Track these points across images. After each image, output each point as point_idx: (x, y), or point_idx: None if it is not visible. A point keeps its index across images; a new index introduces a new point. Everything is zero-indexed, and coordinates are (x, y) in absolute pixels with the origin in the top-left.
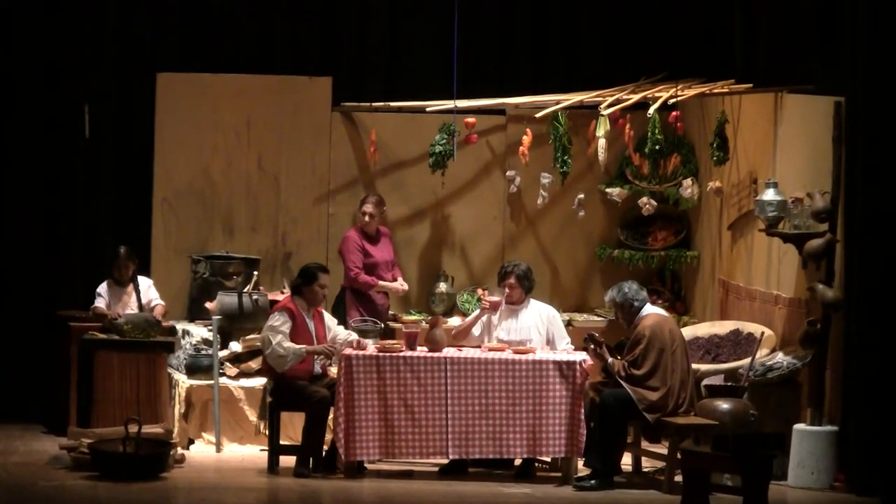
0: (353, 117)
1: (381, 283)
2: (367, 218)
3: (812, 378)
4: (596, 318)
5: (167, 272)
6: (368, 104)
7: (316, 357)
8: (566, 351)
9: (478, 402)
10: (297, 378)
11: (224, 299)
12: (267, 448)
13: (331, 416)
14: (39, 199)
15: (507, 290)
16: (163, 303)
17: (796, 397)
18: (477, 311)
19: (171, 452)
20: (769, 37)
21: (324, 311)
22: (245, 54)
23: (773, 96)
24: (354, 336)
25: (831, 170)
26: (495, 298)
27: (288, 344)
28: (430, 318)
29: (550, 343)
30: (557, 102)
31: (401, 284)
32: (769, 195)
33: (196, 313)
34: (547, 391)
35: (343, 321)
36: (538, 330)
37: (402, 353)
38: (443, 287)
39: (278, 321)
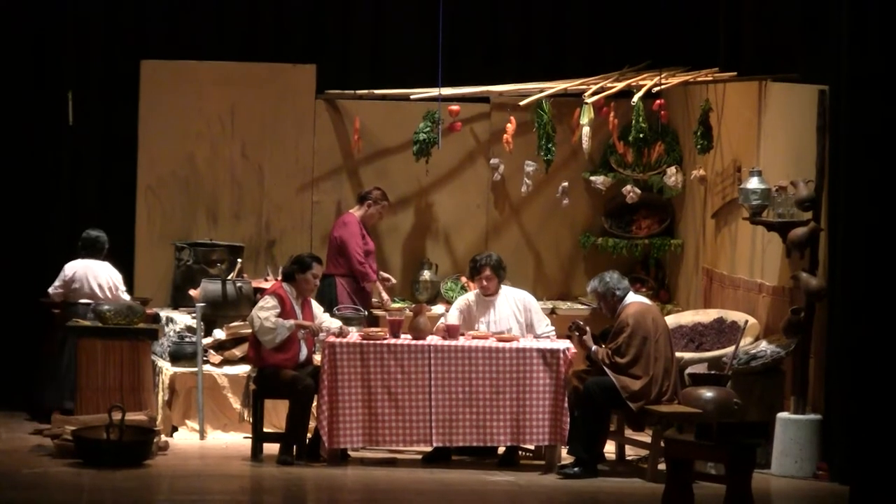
0: (337, 105)
1: (377, 284)
2: (384, 210)
3: (796, 366)
4: (580, 306)
5: (151, 259)
6: (353, 92)
7: (301, 336)
8: (547, 335)
9: (461, 389)
10: (281, 366)
11: (208, 287)
12: (250, 436)
13: (315, 403)
14: (23, 185)
15: (484, 282)
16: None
17: (780, 386)
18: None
19: (155, 440)
20: (753, 25)
21: (312, 299)
22: (229, 41)
23: (757, 85)
24: (339, 324)
25: (815, 158)
26: (454, 323)
27: (276, 318)
28: (413, 305)
29: (530, 328)
30: (542, 90)
31: (389, 287)
32: (753, 183)
33: (180, 301)
34: (531, 379)
35: (331, 307)
36: (516, 318)
37: (385, 341)
38: (427, 275)
39: (268, 303)
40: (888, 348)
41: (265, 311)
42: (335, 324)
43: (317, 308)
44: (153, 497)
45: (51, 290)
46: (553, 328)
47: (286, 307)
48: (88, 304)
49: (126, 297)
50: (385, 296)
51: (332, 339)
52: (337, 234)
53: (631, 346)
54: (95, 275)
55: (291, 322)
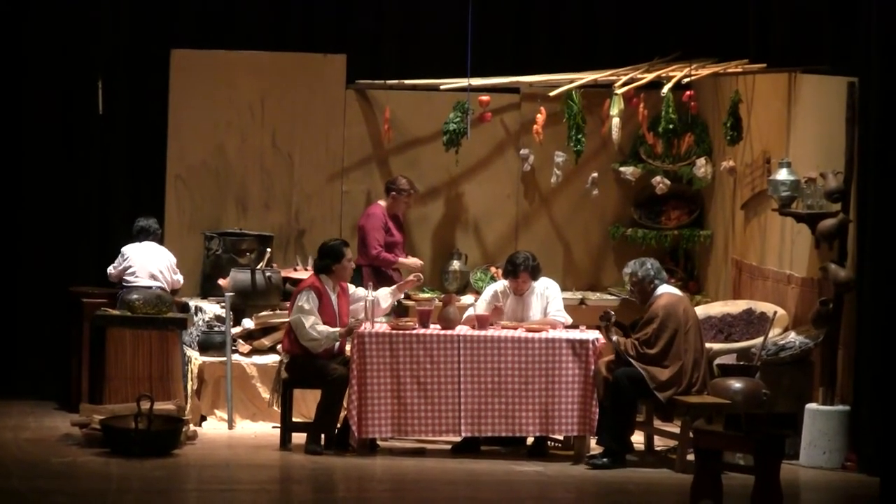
0: (367, 95)
1: (400, 259)
2: (410, 200)
3: (824, 358)
4: (609, 296)
5: (181, 249)
6: (383, 82)
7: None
8: (559, 320)
9: (490, 380)
10: (315, 355)
11: (237, 276)
12: (279, 425)
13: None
14: (53, 174)
15: (519, 283)
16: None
17: (808, 377)
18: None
19: (184, 429)
20: (783, 16)
21: (346, 284)
22: (260, 31)
23: (786, 76)
24: (372, 293)
25: (844, 150)
26: (483, 313)
27: (321, 327)
28: (443, 296)
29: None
30: (571, 81)
31: (417, 260)
32: (782, 175)
33: (209, 290)
34: (560, 370)
35: None
36: (541, 308)
37: (415, 331)
38: (456, 265)
39: (307, 303)
40: None
41: (309, 317)
42: (361, 292)
43: (353, 291)
44: (181, 486)
45: (110, 269)
46: (564, 315)
47: (324, 301)
48: (141, 287)
49: (179, 278)
50: (416, 260)
51: (362, 329)
52: (361, 225)
53: (660, 338)
54: (150, 257)
55: (336, 333)
